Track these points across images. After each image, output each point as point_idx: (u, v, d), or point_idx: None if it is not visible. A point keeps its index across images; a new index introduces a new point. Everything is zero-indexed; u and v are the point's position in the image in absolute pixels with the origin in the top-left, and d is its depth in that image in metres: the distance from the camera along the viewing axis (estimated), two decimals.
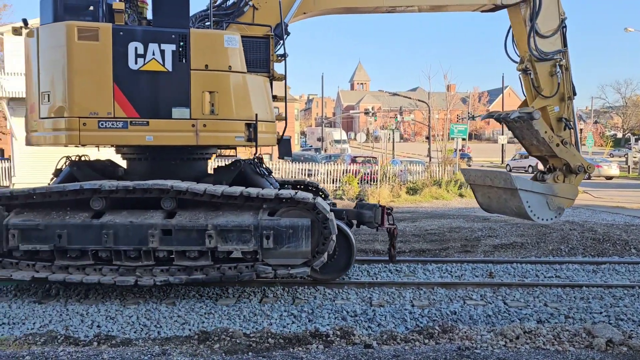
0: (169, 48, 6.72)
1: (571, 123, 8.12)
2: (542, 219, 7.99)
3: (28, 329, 5.80)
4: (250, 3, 7.40)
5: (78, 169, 7.60)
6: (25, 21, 7.05)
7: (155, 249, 6.47)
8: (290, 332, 5.57)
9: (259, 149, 7.23)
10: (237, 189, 6.55)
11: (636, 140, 44.24)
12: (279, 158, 7.93)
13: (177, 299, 6.80)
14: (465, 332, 5.28)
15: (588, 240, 10.56)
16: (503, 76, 49.21)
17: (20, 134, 23.78)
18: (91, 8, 6.79)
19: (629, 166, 38.73)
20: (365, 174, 22.69)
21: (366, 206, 7.89)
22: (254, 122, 7.02)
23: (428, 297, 7.03)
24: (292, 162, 26.15)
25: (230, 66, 6.91)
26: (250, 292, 7.13)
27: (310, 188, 8.78)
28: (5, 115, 23.69)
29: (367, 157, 30.22)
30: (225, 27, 7.37)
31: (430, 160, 30.22)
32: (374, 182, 22.15)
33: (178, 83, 6.77)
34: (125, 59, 6.62)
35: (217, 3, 7.59)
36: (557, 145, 7.94)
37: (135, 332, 5.79)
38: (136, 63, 6.65)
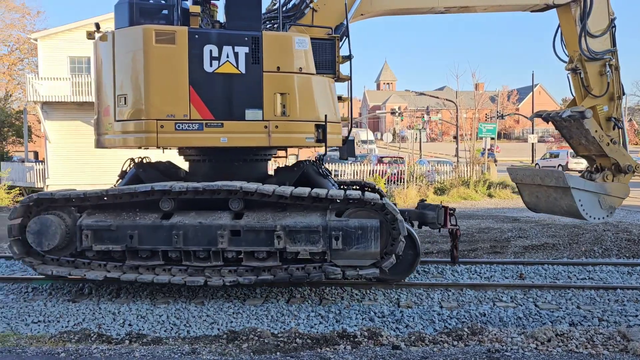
0: (242, 50, 6.79)
1: (620, 122, 8.14)
2: (594, 218, 7.99)
3: (62, 327, 5.96)
4: (311, 5, 7.51)
5: (144, 170, 7.73)
6: (97, 25, 7.16)
7: (224, 249, 6.52)
8: (317, 332, 5.59)
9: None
10: (306, 190, 6.57)
11: None
12: (340, 158, 8.06)
13: (206, 299, 6.89)
14: (495, 334, 5.20)
15: (622, 241, 10.27)
16: (533, 74, 48.21)
17: (54, 137, 24.52)
18: (166, 12, 6.98)
19: None
20: (392, 174, 22.56)
21: (429, 207, 7.86)
22: (323, 123, 7.07)
23: (457, 298, 6.94)
24: None
25: (300, 68, 7.00)
26: (278, 292, 7.17)
27: (367, 188, 8.73)
28: (39, 119, 24.42)
29: (394, 157, 30.04)
30: (287, 29, 7.50)
31: (458, 160, 29.86)
32: (401, 182, 22.01)
33: (251, 85, 6.84)
34: (201, 61, 6.68)
35: (277, 6, 7.69)
36: (607, 144, 7.95)
37: (165, 331, 5.89)
38: (211, 65, 6.72)
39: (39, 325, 6.07)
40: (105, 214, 6.84)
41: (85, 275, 6.75)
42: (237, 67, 6.78)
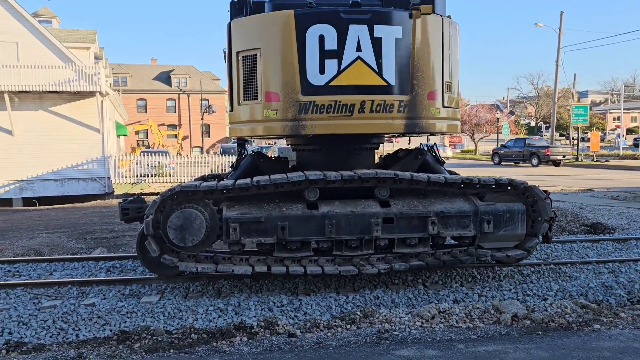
0: None
1: None
2: None
3: None
4: None
5: (264, 160, 7.55)
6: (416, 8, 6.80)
7: (377, 237, 6.43)
8: (215, 326, 5.55)
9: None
10: (458, 178, 6.72)
11: (547, 128, 47.38)
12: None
13: (97, 299, 6.56)
14: (385, 315, 5.48)
15: None
16: None
17: None
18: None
19: None
20: None
21: None
22: None
23: (353, 284, 7.22)
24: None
25: None
26: (174, 287, 7.01)
27: None
28: None
29: None
30: None
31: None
32: None
33: None
34: None
35: None
36: None
37: (51, 337, 5.52)
38: None
39: None
40: (244, 205, 6.44)
41: (233, 270, 6.34)
42: None
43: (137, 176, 24.43)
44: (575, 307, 5.49)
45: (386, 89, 6.59)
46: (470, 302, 6.26)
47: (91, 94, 23.17)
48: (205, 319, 5.99)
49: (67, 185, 23.17)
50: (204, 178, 8.74)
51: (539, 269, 7.78)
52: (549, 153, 33.13)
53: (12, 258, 9.02)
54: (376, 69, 6.54)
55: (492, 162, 37.91)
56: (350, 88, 6.51)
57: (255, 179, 6.42)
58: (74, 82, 22.58)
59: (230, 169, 8.18)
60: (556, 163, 33.42)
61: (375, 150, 7.90)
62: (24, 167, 22.56)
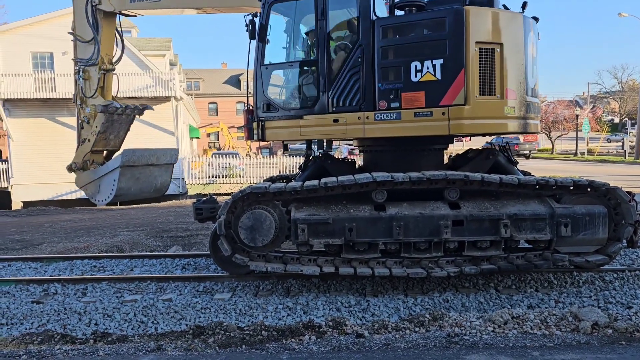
0: None
1: None
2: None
3: (26, 329, 5.89)
4: None
5: (331, 161, 7.69)
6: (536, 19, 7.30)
7: (447, 239, 6.36)
8: (284, 324, 5.67)
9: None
10: (532, 179, 6.55)
11: (632, 124, 44.24)
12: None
13: (174, 294, 6.89)
14: (455, 319, 5.37)
15: None
16: None
17: (17, 136, 23.74)
18: None
19: (625, 151, 38.82)
20: None
21: None
22: None
23: (421, 286, 7.12)
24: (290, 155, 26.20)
25: None
26: (245, 285, 7.23)
27: None
28: (1, 117, 23.72)
29: None
30: None
31: None
32: None
33: None
34: None
35: None
36: None
37: (132, 329, 5.88)
38: None
39: (2, 328, 5.98)
40: (312, 207, 6.57)
41: (302, 271, 6.48)
42: None
43: (209, 177, 25.40)
44: None
45: (536, 93, 7.35)
46: (546, 308, 5.98)
47: (166, 99, 24.39)
48: (274, 316, 6.13)
49: None
50: (272, 179, 8.94)
51: (623, 275, 7.29)
52: (517, 148, 40.36)
53: (97, 254, 9.68)
54: (538, 76, 7.31)
55: None
56: (536, 92, 7.31)
57: (322, 180, 6.47)
58: (151, 88, 23.89)
59: (298, 170, 8.26)
60: (526, 156, 41.12)
61: (445, 151, 7.74)
62: None
